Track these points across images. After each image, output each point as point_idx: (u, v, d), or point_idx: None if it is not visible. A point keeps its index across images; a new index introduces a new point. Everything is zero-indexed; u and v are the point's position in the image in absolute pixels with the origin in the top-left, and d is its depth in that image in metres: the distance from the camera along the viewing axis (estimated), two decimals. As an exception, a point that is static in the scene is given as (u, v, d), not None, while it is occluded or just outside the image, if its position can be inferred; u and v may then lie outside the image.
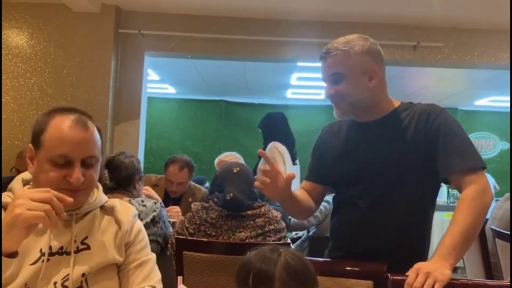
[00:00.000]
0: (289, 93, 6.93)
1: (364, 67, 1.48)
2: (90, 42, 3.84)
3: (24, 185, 1.19)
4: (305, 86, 6.34)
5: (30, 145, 1.14)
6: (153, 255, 1.27)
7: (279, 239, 1.98)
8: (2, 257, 0.94)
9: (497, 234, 2.54)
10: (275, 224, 1.99)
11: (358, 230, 1.53)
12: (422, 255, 1.48)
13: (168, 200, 3.06)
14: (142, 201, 2.06)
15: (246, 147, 7.09)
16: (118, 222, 1.22)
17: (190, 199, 3.06)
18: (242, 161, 3.39)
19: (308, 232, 4.09)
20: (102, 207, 1.24)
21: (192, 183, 3.23)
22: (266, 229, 1.96)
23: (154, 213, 2.03)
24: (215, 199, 2.06)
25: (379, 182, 1.48)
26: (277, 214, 2.04)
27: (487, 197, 1.34)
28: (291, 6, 3.73)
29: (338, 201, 1.65)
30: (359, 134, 1.56)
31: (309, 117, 7.25)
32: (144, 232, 1.27)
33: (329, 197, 2.75)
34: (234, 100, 7.58)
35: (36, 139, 1.12)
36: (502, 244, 2.50)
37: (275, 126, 3.85)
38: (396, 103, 1.57)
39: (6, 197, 1.14)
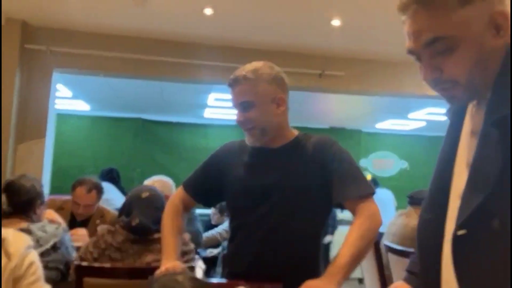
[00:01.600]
0: (207, 113, 6.97)
1: (272, 95, 1.57)
2: (-8, 57, 3.64)
3: None
4: (222, 106, 6.44)
5: None
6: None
7: (186, 261, 2.01)
8: None
9: (390, 249, 2.76)
10: (182, 247, 2.01)
11: (255, 259, 1.55)
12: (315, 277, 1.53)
13: (75, 223, 2.96)
14: (43, 226, 1.99)
15: (163, 165, 7.00)
16: (7, 255, 1.19)
17: (98, 221, 2.99)
18: (171, 186, 3.28)
19: (224, 249, 4.13)
20: None
21: (101, 205, 3.15)
22: (172, 251, 1.97)
23: (56, 239, 1.96)
24: (121, 223, 2.05)
25: (278, 207, 1.54)
26: (185, 235, 2.05)
27: (375, 222, 1.46)
28: (201, 32, 3.82)
29: (234, 226, 1.66)
30: (261, 158, 1.62)
31: (227, 136, 7.23)
32: (38, 265, 1.25)
33: None
34: (151, 118, 7.45)
35: None
36: (394, 259, 2.72)
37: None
38: (295, 132, 1.67)
39: None
